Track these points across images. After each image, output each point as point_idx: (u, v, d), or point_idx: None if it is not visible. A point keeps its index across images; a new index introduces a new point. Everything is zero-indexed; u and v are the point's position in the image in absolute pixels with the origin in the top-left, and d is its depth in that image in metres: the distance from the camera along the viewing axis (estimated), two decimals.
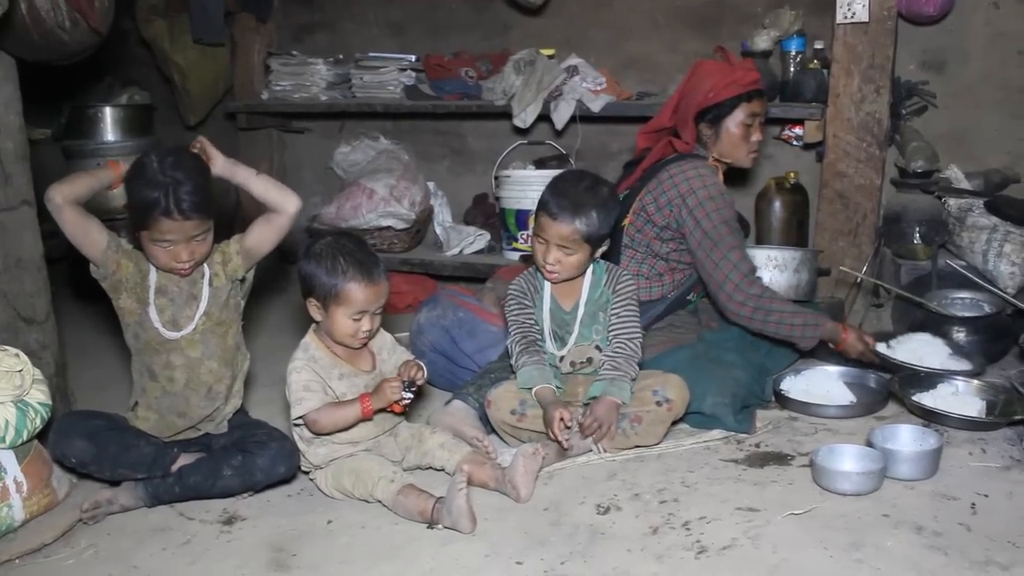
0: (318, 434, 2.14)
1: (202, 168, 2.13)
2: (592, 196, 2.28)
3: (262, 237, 2.24)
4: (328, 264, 2.08)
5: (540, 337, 2.40)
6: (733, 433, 2.43)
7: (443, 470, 2.23)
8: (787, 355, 2.85)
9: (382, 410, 2.13)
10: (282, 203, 2.22)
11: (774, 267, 2.89)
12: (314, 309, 2.14)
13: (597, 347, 2.39)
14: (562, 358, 2.39)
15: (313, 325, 2.20)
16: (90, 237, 2.11)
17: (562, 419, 2.22)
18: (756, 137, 2.75)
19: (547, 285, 2.40)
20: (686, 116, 2.72)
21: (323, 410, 2.09)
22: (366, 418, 2.12)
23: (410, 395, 2.10)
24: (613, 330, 2.37)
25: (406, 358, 2.24)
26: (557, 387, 2.34)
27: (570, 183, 2.32)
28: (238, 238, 2.24)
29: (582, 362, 2.39)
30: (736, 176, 3.75)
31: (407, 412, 2.22)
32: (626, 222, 2.71)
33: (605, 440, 2.29)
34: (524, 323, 2.40)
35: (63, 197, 2.06)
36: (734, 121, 2.70)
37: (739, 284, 2.55)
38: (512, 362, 2.39)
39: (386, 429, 2.23)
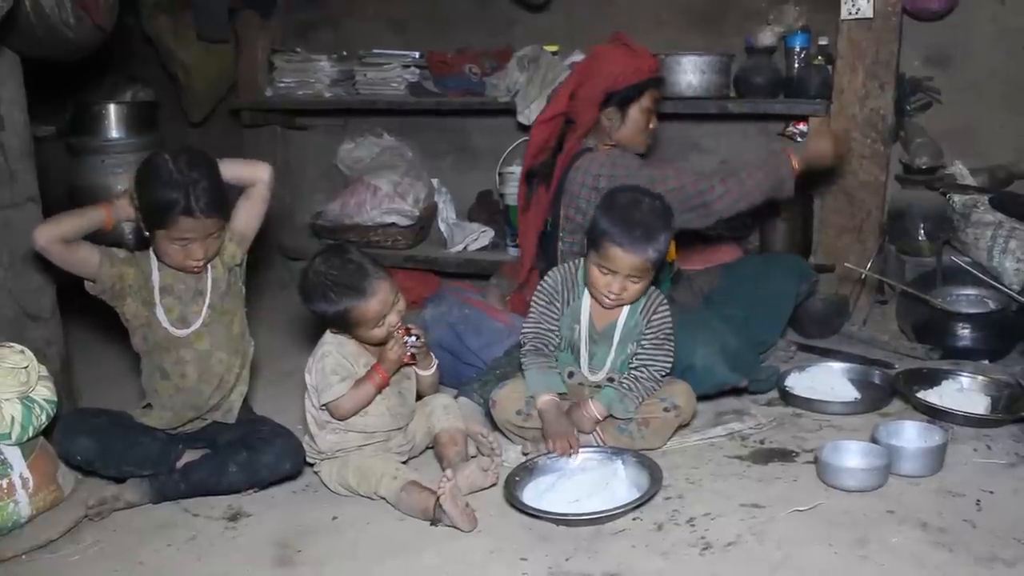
0: (342, 419, 2.15)
1: (214, 165, 2.14)
2: (658, 218, 2.19)
3: (249, 215, 2.26)
4: (322, 299, 2.10)
5: (555, 345, 2.34)
6: (737, 430, 2.41)
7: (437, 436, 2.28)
8: (773, 326, 2.86)
9: (397, 370, 2.17)
10: (254, 175, 2.26)
11: None
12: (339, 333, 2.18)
13: (611, 378, 2.32)
14: (571, 374, 2.34)
15: None
16: (82, 263, 2.13)
17: (568, 447, 2.18)
18: (653, 125, 2.76)
19: (587, 294, 2.31)
20: (590, 100, 2.67)
21: (346, 396, 2.12)
22: (384, 386, 2.15)
23: (414, 339, 2.14)
24: (640, 358, 2.29)
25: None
26: (562, 394, 2.30)
27: (631, 207, 2.18)
28: (226, 226, 2.24)
29: (590, 386, 2.35)
30: None
31: (417, 360, 2.21)
32: (561, 233, 2.69)
33: (609, 440, 2.29)
34: (542, 325, 2.33)
35: (46, 239, 2.07)
36: (639, 107, 2.70)
37: (702, 186, 2.52)
38: (520, 356, 2.36)
39: (400, 425, 2.25)
